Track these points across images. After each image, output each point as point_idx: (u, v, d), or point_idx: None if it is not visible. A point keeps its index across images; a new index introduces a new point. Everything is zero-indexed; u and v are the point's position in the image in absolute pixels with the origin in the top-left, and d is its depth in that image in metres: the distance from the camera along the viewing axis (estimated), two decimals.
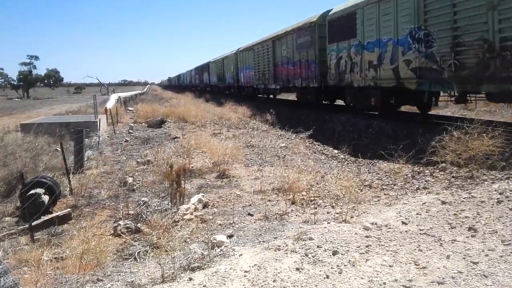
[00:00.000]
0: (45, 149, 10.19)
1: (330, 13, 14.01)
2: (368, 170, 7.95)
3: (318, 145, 11.32)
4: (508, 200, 4.48)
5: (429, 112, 11.59)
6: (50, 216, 6.07)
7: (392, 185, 6.53)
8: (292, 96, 23.35)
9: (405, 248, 3.71)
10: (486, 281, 3.02)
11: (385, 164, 7.65)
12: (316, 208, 5.62)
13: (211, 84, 40.23)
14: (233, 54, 29.30)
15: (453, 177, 6.03)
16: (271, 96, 24.35)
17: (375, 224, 4.38)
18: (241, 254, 3.94)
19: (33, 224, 5.55)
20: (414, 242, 3.83)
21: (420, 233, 4.01)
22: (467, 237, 3.83)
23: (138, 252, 4.51)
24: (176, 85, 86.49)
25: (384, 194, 6.09)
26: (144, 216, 5.61)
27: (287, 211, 5.53)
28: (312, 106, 16.67)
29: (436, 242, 3.79)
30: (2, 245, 5.04)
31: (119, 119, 18.98)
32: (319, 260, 3.55)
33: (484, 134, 5.90)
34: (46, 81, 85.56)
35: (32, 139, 10.73)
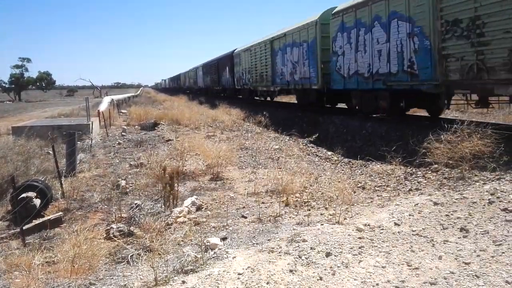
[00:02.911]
0: (37, 152, 10.10)
1: None
2: (361, 172, 7.97)
3: (312, 147, 11.34)
4: (499, 201, 4.52)
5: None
6: (41, 219, 6.03)
7: (385, 187, 6.56)
8: None
9: (397, 249, 3.73)
10: (478, 282, 3.04)
11: (378, 166, 7.68)
12: (309, 210, 5.63)
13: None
14: None
15: (445, 178, 6.06)
16: None
17: (368, 225, 4.39)
18: (234, 257, 3.93)
19: (24, 228, 5.51)
20: (407, 243, 3.85)
21: (412, 234, 4.03)
22: (459, 237, 3.86)
23: (131, 256, 4.49)
24: (188, 87, 47.12)
25: (377, 196, 6.11)
26: (137, 219, 5.59)
27: (280, 213, 5.53)
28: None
29: (428, 243, 3.81)
30: None
31: (112, 122, 18.89)
32: (312, 262, 3.55)
33: (473, 135, 5.93)
34: (38, 83, 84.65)
35: (23, 142, 10.62)
